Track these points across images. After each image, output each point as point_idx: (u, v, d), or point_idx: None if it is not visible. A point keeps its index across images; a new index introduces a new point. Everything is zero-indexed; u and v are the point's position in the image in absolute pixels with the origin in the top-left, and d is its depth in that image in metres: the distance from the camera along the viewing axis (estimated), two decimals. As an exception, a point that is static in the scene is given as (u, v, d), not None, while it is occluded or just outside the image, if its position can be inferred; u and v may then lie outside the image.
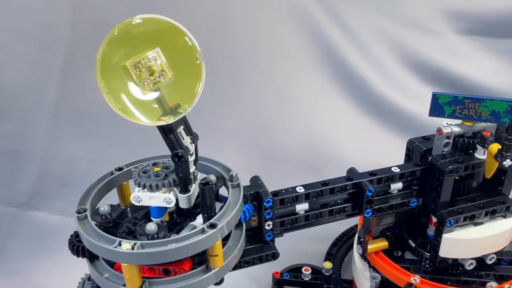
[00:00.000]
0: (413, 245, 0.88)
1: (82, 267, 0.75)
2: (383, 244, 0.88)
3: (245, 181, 0.81)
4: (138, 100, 0.62)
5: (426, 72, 1.26)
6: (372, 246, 0.88)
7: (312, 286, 1.03)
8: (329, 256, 1.06)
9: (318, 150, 1.21)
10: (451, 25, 1.24)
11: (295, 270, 1.05)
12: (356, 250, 0.90)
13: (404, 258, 0.90)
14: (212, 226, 0.63)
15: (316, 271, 1.03)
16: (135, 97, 0.61)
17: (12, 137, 1.13)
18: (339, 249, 1.06)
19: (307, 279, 1.03)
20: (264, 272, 1.06)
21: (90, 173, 0.76)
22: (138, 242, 0.62)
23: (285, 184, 0.79)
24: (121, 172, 0.75)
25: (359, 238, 0.91)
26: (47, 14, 1.10)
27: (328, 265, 1.02)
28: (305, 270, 1.03)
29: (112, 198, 0.76)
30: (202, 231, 0.63)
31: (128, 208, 0.76)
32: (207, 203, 0.68)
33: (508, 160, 0.74)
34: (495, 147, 0.73)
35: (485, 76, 1.23)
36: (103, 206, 0.71)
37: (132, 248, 0.61)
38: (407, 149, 0.88)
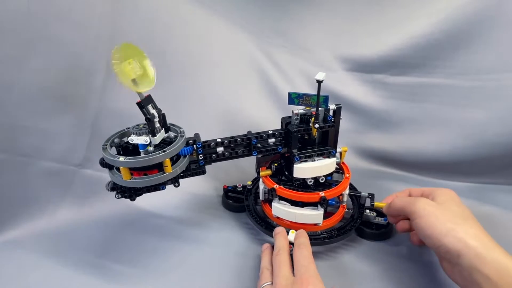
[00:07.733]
0: (286, 173, 1.11)
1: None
2: (268, 172, 1.10)
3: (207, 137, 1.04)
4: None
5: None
6: (262, 173, 1.10)
7: (241, 193, 1.32)
8: (253, 180, 1.36)
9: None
10: (341, 65, 1.59)
11: (234, 186, 1.35)
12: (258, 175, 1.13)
13: (282, 179, 1.11)
14: (164, 151, 0.89)
15: (244, 186, 1.33)
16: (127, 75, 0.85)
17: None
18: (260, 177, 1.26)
19: (239, 189, 1.33)
20: (220, 187, 1.38)
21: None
22: (128, 157, 0.87)
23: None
24: (130, 128, 0.96)
25: (256, 168, 1.14)
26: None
27: (249, 182, 1.32)
28: (238, 185, 1.33)
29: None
30: (159, 153, 0.89)
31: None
32: (166, 142, 0.94)
33: (316, 125, 0.99)
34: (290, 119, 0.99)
35: (358, 95, 1.57)
36: (116, 139, 0.96)
37: (124, 159, 0.87)
38: (281, 122, 1.07)
